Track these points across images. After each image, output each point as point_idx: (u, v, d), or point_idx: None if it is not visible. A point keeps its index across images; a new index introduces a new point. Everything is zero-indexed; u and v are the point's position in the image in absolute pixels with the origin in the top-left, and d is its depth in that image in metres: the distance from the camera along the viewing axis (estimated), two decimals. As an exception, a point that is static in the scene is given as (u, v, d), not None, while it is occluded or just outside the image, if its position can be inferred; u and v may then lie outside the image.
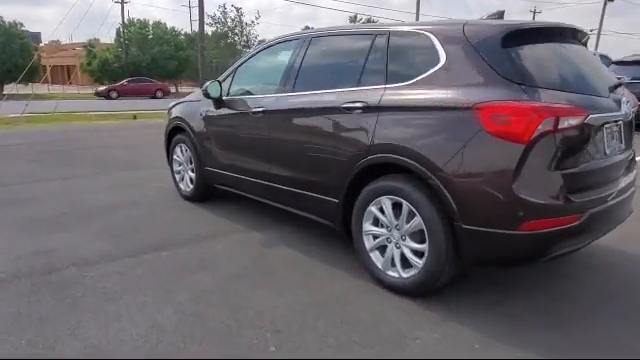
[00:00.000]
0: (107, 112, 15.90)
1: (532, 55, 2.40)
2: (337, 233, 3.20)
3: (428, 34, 2.58)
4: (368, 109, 2.70)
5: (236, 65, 3.97)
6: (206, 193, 4.45)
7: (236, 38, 18.36)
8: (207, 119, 4.07)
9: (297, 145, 3.19)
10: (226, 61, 15.15)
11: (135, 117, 13.53)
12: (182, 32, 36.34)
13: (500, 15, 2.83)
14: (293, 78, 3.30)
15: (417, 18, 29.28)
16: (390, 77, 2.68)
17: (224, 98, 3.91)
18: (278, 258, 3.23)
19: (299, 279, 2.91)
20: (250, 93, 3.86)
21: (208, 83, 3.84)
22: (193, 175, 4.43)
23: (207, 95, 3.85)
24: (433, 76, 2.48)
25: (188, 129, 4.31)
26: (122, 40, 33.40)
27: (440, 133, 2.39)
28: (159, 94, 28.80)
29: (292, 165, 3.26)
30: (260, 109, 3.46)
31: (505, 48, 2.33)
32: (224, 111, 3.89)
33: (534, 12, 43.46)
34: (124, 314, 2.49)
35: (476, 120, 2.24)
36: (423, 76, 2.53)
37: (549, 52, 2.52)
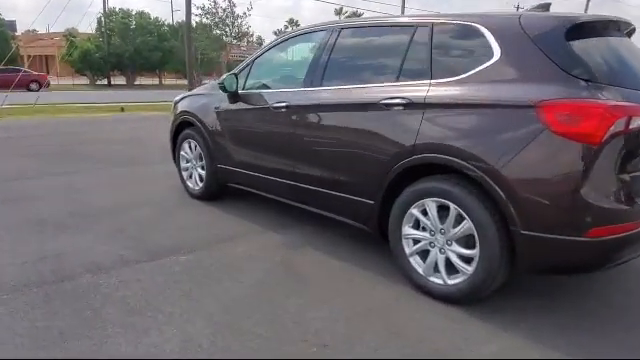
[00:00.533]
0: (92, 104, 15.41)
1: (594, 50, 2.27)
2: (366, 235, 3.05)
3: (478, 26, 2.42)
4: (411, 106, 2.54)
5: (253, 57, 3.76)
6: (217, 192, 4.24)
7: (227, 29, 17.94)
8: (221, 114, 3.86)
9: (326, 143, 3.01)
10: (218, 53, 14.81)
11: (123, 109, 13.13)
12: (166, 22, 35.55)
13: (546, 7, 2.68)
14: (320, 71, 3.12)
15: (402, 11, 29.16)
16: (435, 72, 2.52)
17: (240, 92, 3.70)
18: (306, 262, 3.06)
19: (334, 286, 2.74)
20: (268, 87, 3.66)
21: (225, 76, 3.62)
22: (203, 173, 4.21)
23: (224, 89, 3.64)
24: (486, 71, 2.33)
25: (199, 124, 4.08)
26: (104, 30, 32.49)
27: (497, 132, 2.23)
28: (34, 86, 22.95)
29: (320, 164, 3.08)
30: (283, 104, 3.26)
31: (568, 42, 2.18)
32: (241, 106, 3.68)
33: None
34: (152, 327, 2.29)
35: (539, 119, 2.10)
36: (474, 71, 2.37)
37: (607, 47, 2.39)
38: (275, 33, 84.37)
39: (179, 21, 33.37)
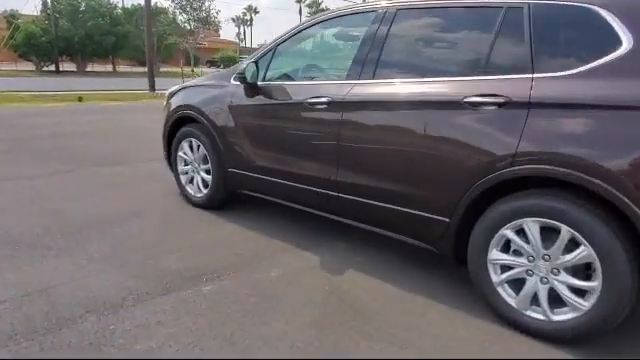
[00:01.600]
0: (42, 92, 14.08)
1: None
2: (421, 254, 2.60)
3: (597, 9, 1.98)
4: (510, 105, 2.07)
5: (275, 43, 3.17)
6: (224, 199, 3.65)
7: (194, 14, 16.61)
8: (236, 110, 3.26)
9: (384, 148, 2.50)
10: (177, 39, 13.62)
11: (81, 99, 12.00)
12: (119, 5, 33.44)
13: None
14: (372, 61, 2.60)
15: None
16: (539, 64, 2.06)
17: (260, 84, 3.12)
18: (359, 290, 2.56)
19: (405, 321, 2.26)
20: (297, 78, 3.11)
21: (245, 65, 3.03)
22: (208, 177, 3.61)
23: (243, 79, 3.05)
24: (614, 64, 1.89)
25: (205, 121, 3.46)
26: (50, 12, 30.15)
27: (635, 140, 1.81)
28: None
29: (374, 172, 2.57)
30: (322, 99, 2.73)
31: None
32: (261, 100, 3.11)
33: None
34: (199, 397, 1.73)
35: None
36: (597, 64, 1.93)
37: None
38: (233, 20, 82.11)
39: (134, 4, 31.46)
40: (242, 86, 3.22)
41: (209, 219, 3.54)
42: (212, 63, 37.93)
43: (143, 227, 3.34)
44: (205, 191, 3.67)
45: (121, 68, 34.89)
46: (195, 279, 2.61)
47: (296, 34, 3.09)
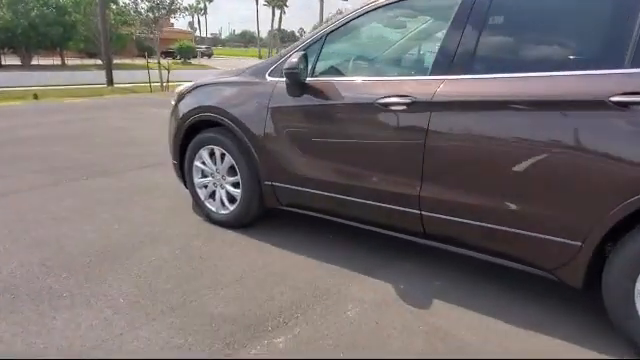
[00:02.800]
0: (-10, 89, 12.74)
1: None
2: (505, 270, 2.20)
3: None
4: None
5: (325, 31, 2.64)
6: (256, 216, 3.12)
7: (157, 1, 15.36)
8: (277, 112, 2.72)
9: (496, 158, 2.06)
10: (147, 28, 12.52)
11: (37, 96, 10.88)
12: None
13: None
14: (468, 50, 2.14)
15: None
16: None
17: (309, 80, 2.60)
18: (459, 326, 2.12)
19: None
20: (352, 74, 2.60)
21: (295, 58, 2.49)
22: (237, 191, 3.06)
23: (293, 75, 2.52)
24: None
25: (232, 125, 2.90)
26: (-13, 1, 27.69)
27: None
28: None
29: (479, 187, 2.12)
30: (401, 99, 2.25)
31: None
32: (312, 100, 2.58)
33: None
34: None
35: None
36: None
37: None
38: (187, 8, 78.78)
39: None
40: (284, 83, 2.69)
41: (242, 242, 2.99)
42: (168, 54, 36.25)
43: (164, 256, 2.77)
44: (231, 207, 3.12)
45: (70, 61, 32.66)
46: (258, 328, 2.09)
47: (353, 19, 2.56)
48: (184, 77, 15.49)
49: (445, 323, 2.16)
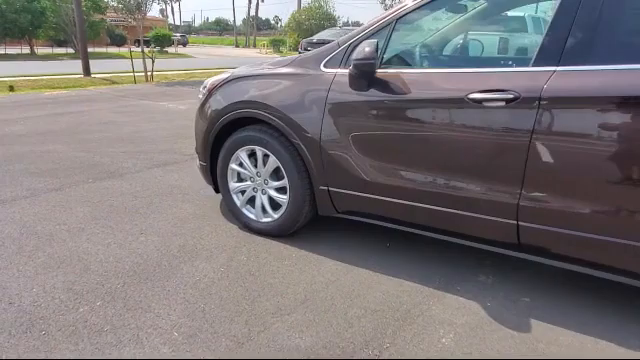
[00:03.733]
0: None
1: None
2: (612, 290, 1.95)
3: None
4: None
5: (394, 15, 2.30)
6: (302, 225, 2.79)
7: None
8: (338, 107, 2.39)
9: (624, 162, 1.78)
10: (130, 14, 11.62)
11: (13, 88, 10.16)
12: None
13: None
14: (584, 38, 1.85)
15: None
16: None
17: (378, 72, 2.26)
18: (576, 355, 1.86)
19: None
20: (430, 64, 2.28)
21: (368, 47, 2.14)
22: (282, 197, 2.72)
23: (366, 67, 2.18)
24: None
25: (281, 124, 2.55)
26: (-53, -14, 25.97)
27: None
28: None
29: (598, 196, 1.85)
30: (502, 94, 1.94)
31: None
32: (383, 95, 2.25)
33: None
34: None
35: None
36: None
37: None
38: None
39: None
40: (344, 75, 2.35)
41: (292, 254, 2.66)
42: (140, 42, 35.09)
43: (209, 275, 2.42)
44: (275, 215, 2.78)
45: (40, 50, 31.11)
46: (349, 364, 1.79)
47: (430, 2, 2.24)
48: (165, 66, 14.84)
49: (555, 349, 1.90)
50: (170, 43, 38.13)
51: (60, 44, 33.17)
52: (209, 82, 3.03)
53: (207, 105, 2.95)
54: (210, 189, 3.20)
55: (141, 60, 12.40)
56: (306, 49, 16.01)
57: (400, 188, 2.29)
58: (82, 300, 2.16)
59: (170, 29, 62.40)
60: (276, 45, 40.37)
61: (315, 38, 17.70)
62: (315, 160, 2.50)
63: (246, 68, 3.01)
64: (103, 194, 3.56)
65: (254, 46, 53.67)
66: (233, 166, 2.88)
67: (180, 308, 2.12)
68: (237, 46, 56.30)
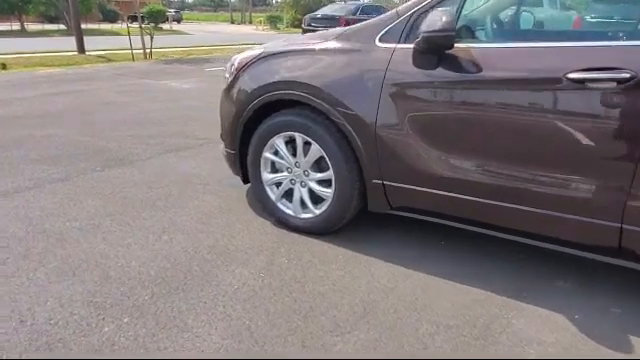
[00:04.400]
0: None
1: None
2: None
3: None
4: None
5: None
6: (347, 222, 2.47)
7: None
8: (399, 89, 2.04)
9: None
10: None
11: (5, 66, 9.65)
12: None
13: None
14: None
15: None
16: None
17: (457, 48, 1.90)
18: None
19: None
20: (511, 37, 1.93)
21: (444, 17, 1.78)
22: (326, 191, 2.39)
23: (441, 40, 1.83)
24: None
25: (328, 107, 2.21)
26: None
27: None
28: None
29: None
30: (614, 74, 1.60)
31: None
32: (456, 74, 1.91)
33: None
34: None
35: None
36: None
37: None
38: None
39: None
40: (405, 51, 2.01)
41: (339, 256, 2.35)
42: (135, 18, 34.30)
43: (249, 282, 2.11)
44: (317, 210, 2.45)
45: (30, 26, 30.13)
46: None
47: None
48: (161, 44, 14.25)
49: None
50: (164, 19, 37.14)
51: (51, 20, 32.18)
52: (237, 60, 2.66)
53: (236, 86, 2.59)
54: (234, 178, 2.88)
55: (137, 37, 11.88)
56: (310, 25, 15.48)
57: (474, 184, 1.96)
58: (106, 316, 1.85)
59: (164, 4, 61.00)
60: (273, 22, 39.42)
61: (319, 13, 17.09)
62: (368, 150, 2.17)
63: (279, 43, 2.64)
64: (114, 184, 3.22)
65: (250, 23, 52.49)
66: (267, 155, 2.54)
67: (222, 326, 1.81)
68: (232, 23, 55.06)
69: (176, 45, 16.94)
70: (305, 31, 15.81)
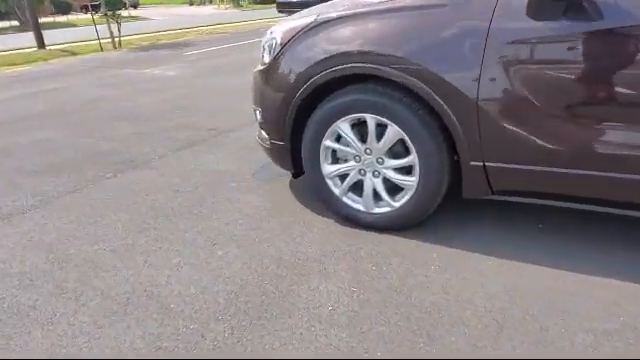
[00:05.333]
0: None
1: None
2: None
3: None
4: None
5: None
6: (427, 214, 2.11)
7: None
8: (509, 50, 1.67)
9: None
10: None
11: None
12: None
13: None
14: None
15: None
16: None
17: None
18: None
19: None
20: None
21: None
22: (408, 179, 2.02)
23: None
24: None
25: (414, 81, 1.82)
26: None
27: None
28: None
29: None
30: None
31: None
32: (594, 25, 1.54)
33: None
34: None
35: None
36: None
37: None
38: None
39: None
40: (514, 1, 1.63)
41: (429, 254, 1.99)
42: (96, 7, 32.60)
43: (343, 300, 1.74)
44: (396, 203, 2.09)
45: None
46: None
47: None
48: (124, 31, 13.38)
49: None
50: (122, 6, 35.52)
51: (1, 17, 30.26)
52: (278, 33, 2.23)
53: (282, 65, 2.17)
54: (267, 171, 2.50)
55: (100, 26, 11.09)
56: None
57: (615, 158, 1.62)
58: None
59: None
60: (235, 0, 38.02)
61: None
62: (467, 127, 1.80)
63: (334, 5, 2.21)
64: (135, 192, 2.78)
65: (210, 3, 50.60)
66: (328, 143, 2.14)
67: (335, 363, 1.46)
68: (192, 4, 52.97)
69: (142, 31, 16.00)
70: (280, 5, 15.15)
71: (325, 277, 1.88)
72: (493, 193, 1.94)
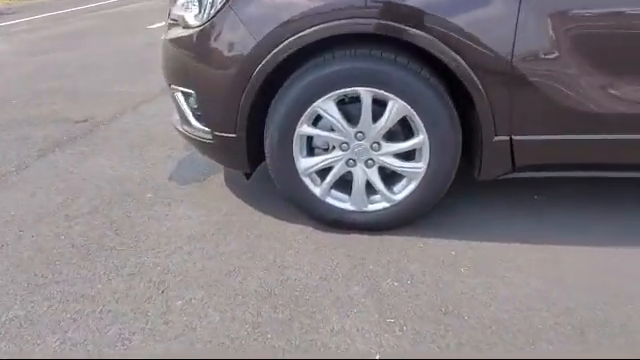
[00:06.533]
0: None
1: None
2: None
3: None
4: None
5: None
6: (431, 205, 1.75)
7: None
8: (550, 4, 1.34)
9: None
10: None
11: None
12: None
13: None
14: None
15: None
16: None
17: None
18: None
19: None
20: None
21: None
22: (413, 167, 1.63)
23: None
24: None
25: (428, 39, 1.40)
26: None
27: None
28: None
29: None
30: None
31: None
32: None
33: None
34: None
35: None
36: None
37: None
38: None
39: None
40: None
41: (453, 254, 1.64)
42: None
43: (382, 333, 1.31)
44: (398, 195, 1.68)
45: None
46: None
47: None
48: None
49: None
50: None
51: None
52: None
53: (228, 26, 1.55)
54: (183, 170, 2.06)
55: None
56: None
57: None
58: None
59: None
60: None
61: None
62: (496, 95, 1.46)
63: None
64: (-2, 227, 1.88)
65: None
66: (304, 129, 1.62)
67: None
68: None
69: None
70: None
71: (344, 313, 1.41)
72: (514, 170, 1.65)
